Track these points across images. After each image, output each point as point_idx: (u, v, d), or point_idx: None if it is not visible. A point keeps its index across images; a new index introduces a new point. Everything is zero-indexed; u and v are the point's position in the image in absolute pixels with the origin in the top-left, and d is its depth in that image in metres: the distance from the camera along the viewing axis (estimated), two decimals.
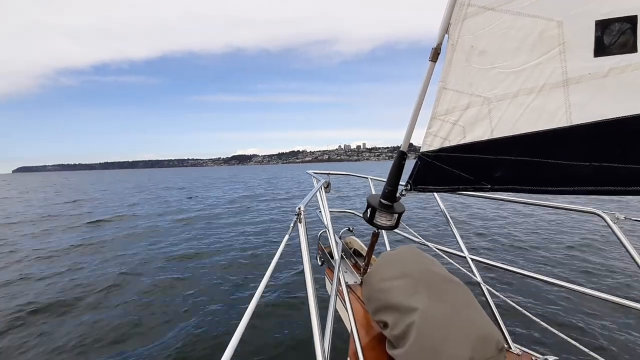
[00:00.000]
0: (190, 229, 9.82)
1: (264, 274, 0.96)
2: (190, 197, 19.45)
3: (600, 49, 0.90)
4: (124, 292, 4.97)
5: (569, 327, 3.66)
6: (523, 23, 1.00)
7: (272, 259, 1.02)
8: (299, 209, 1.12)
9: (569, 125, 0.98)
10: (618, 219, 1.42)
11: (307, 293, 0.89)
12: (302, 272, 0.97)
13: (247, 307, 0.83)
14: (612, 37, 0.88)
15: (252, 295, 0.86)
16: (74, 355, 3.41)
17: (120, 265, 6.24)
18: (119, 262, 6.53)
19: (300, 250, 1.00)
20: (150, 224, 10.72)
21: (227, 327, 3.85)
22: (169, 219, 11.65)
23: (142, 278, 5.55)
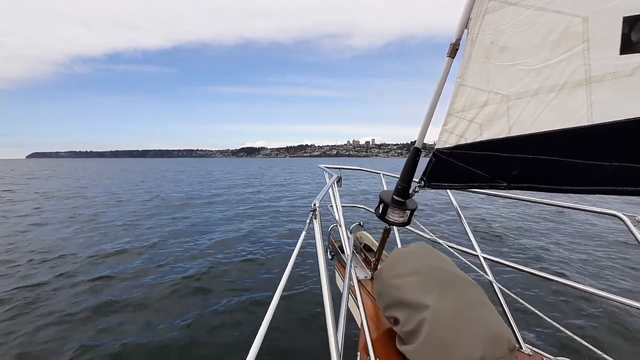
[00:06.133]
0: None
1: (283, 271, 0.97)
2: None
3: (627, 47, 0.87)
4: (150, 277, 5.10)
5: (581, 329, 3.60)
6: (546, 19, 0.97)
7: (290, 257, 1.03)
8: (314, 205, 1.13)
9: (590, 124, 0.96)
10: (639, 221, 1.38)
11: (321, 289, 0.90)
12: (314, 266, 0.99)
13: (268, 307, 0.84)
14: None
15: (272, 295, 0.87)
16: None
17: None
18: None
19: (315, 246, 1.01)
20: None
21: (250, 323, 3.93)
22: None
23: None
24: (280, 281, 0.92)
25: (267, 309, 0.81)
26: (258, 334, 0.74)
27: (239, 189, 19.00)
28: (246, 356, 0.67)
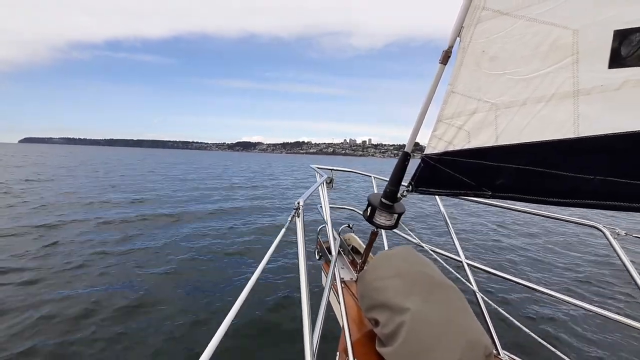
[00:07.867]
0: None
1: (259, 264, 0.97)
2: None
3: (616, 61, 0.88)
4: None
5: (559, 338, 3.67)
6: (537, 30, 0.98)
7: (268, 250, 1.03)
8: (298, 203, 1.13)
9: (576, 136, 0.96)
10: (618, 234, 1.40)
11: (300, 286, 0.90)
12: (297, 265, 0.98)
13: (237, 298, 0.83)
14: (631, 48, 0.85)
15: (244, 286, 0.87)
16: None
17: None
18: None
19: (297, 245, 1.01)
20: None
21: (219, 314, 3.89)
22: None
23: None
24: (250, 278, 0.91)
25: (234, 303, 0.81)
26: (221, 326, 0.74)
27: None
28: (203, 350, 0.67)
